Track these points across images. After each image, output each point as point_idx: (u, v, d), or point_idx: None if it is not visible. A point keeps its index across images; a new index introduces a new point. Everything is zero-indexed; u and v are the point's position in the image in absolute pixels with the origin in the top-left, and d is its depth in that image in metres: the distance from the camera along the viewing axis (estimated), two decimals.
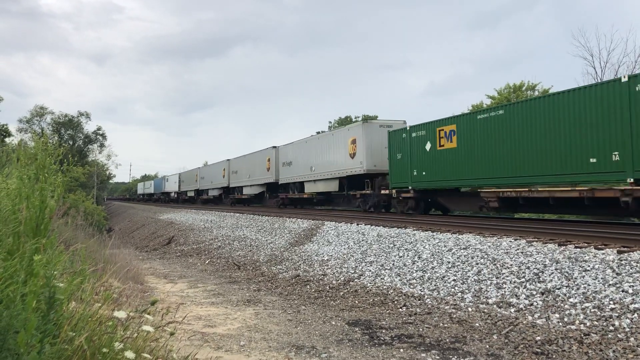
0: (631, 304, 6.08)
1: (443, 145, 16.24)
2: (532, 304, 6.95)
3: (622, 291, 6.42)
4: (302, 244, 14.62)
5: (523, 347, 5.74)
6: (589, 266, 7.39)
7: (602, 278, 6.92)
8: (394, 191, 18.96)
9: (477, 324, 6.75)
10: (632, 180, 10.46)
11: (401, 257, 10.60)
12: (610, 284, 6.69)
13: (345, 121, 56.63)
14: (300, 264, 12.50)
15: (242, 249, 16.53)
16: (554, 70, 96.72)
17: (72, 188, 39.02)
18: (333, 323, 7.24)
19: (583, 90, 11.75)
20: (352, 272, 10.68)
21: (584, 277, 7.13)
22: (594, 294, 6.60)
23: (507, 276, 8.04)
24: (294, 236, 15.88)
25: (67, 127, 64.25)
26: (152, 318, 3.34)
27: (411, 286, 8.99)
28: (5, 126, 36.79)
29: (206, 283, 11.46)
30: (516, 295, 7.34)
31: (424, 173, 17.14)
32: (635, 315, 5.84)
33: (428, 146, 17.04)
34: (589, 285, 6.86)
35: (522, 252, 8.76)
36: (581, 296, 6.67)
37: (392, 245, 11.59)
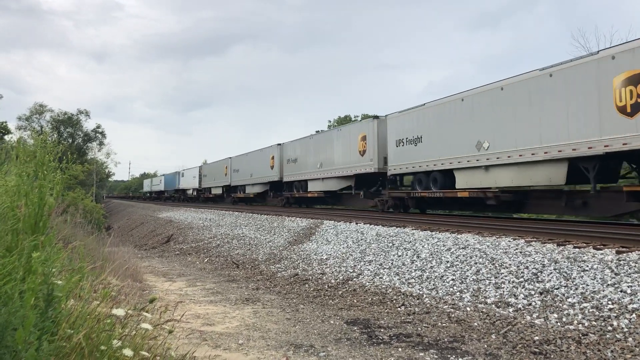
0: (629, 304, 6.08)
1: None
2: (530, 304, 6.95)
3: (621, 291, 6.43)
4: (301, 242, 14.62)
5: (521, 347, 5.74)
6: (587, 266, 7.40)
7: (600, 278, 6.92)
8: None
9: (475, 324, 6.75)
10: None
11: (400, 256, 10.60)
12: (608, 284, 6.70)
13: (344, 120, 56.47)
14: (299, 263, 12.50)
15: (241, 248, 16.53)
16: None
17: (71, 186, 39.02)
18: (331, 322, 7.24)
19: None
20: (351, 271, 10.68)
21: (582, 277, 7.13)
22: (592, 294, 6.60)
23: (505, 276, 8.04)
24: (292, 235, 15.88)
25: (66, 125, 64.26)
26: (151, 316, 3.33)
27: (410, 285, 8.99)
28: (4, 123, 36.78)
29: (205, 281, 11.46)
30: (515, 295, 7.35)
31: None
32: (634, 315, 5.85)
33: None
34: (587, 285, 6.87)
35: (520, 252, 8.77)
36: (579, 296, 6.67)
37: (390, 244, 11.59)
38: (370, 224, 14.45)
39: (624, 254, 7.50)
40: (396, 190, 19.60)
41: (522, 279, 7.73)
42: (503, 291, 7.61)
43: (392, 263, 10.36)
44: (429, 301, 8.07)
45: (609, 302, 6.28)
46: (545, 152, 12.47)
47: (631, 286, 6.45)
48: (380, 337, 6.35)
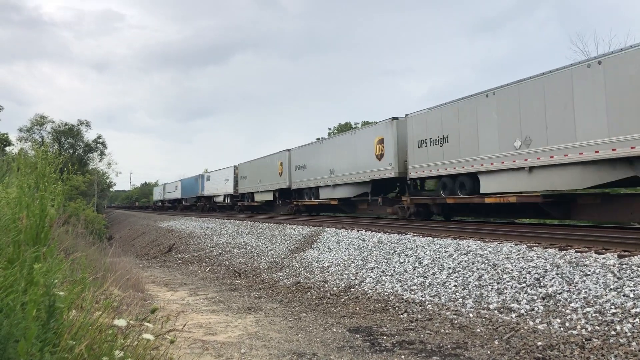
0: (632, 308, 6.06)
1: None
2: (533, 309, 6.93)
3: (624, 295, 6.41)
4: (303, 250, 14.61)
5: (524, 353, 5.72)
6: (589, 271, 7.38)
7: (603, 283, 6.91)
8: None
9: (478, 330, 6.73)
10: None
11: (402, 263, 10.59)
12: (611, 289, 6.68)
13: (344, 127, 56.42)
14: (300, 271, 12.48)
15: (242, 256, 16.51)
16: None
17: (73, 196, 39.04)
18: (334, 330, 7.22)
19: None
20: (353, 278, 10.66)
21: (585, 281, 7.12)
22: (595, 299, 6.59)
23: (508, 281, 8.03)
24: (294, 243, 15.86)
25: (67, 136, 64.39)
26: (153, 326, 3.33)
27: (412, 292, 8.97)
28: (5, 135, 36.89)
29: (207, 291, 11.44)
30: (517, 301, 7.33)
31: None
32: (637, 319, 5.83)
33: None
34: (590, 290, 6.85)
35: (522, 257, 8.75)
36: (582, 301, 6.66)
37: (392, 251, 11.58)
38: (372, 231, 14.43)
39: (626, 258, 7.49)
40: (417, 195, 18.17)
41: (524, 284, 7.72)
42: (505, 297, 7.59)
43: (394, 270, 10.34)
44: (431, 308, 8.05)
45: (612, 307, 6.26)
46: (614, 150, 10.78)
47: (634, 290, 6.43)
48: (383, 345, 6.33)
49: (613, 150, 10.79)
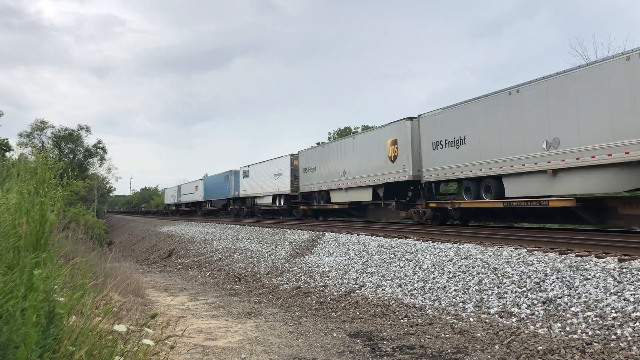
0: (633, 312, 6.05)
1: None
2: (533, 314, 6.92)
3: (624, 299, 6.40)
4: (303, 255, 14.59)
5: (525, 357, 5.71)
6: (590, 275, 7.38)
7: (603, 286, 6.90)
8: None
9: (478, 334, 6.72)
10: None
11: (402, 267, 10.58)
12: (611, 293, 6.67)
13: (344, 132, 56.13)
14: (301, 276, 12.46)
15: (242, 261, 16.49)
16: None
17: (73, 202, 39.05)
18: (334, 335, 7.21)
19: None
20: (353, 283, 10.65)
21: (585, 285, 7.11)
22: (595, 303, 6.58)
23: (508, 286, 8.02)
24: (294, 247, 15.85)
25: (67, 141, 64.50)
26: (153, 331, 3.33)
27: (412, 297, 8.96)
28: (5, 140, 36.91)
29: (207, 295, 11.43)
30: (517, 305, 7.32)
31: None
32: (638, 323, 5.82)
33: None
34: (590, 294, 6.85)
35: (523, 262, 8.75)
36: (583, 305, 6.65)
37: (392, 255, 11.57)
38: (372, 235, 14.42)
39: (627, 262, 7.48)
40: (433, 199, 17.54)
41: (524, 289, 7.71)
42: (506, 301, 7.58)
43: (394, 274, 10.33)
44: (431, 312, 8.04)
45: (613, 311, 6.25)
46: None
47: (634, 294, 6.42)
48: (384, 350, 6.31)
49: None
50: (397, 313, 8.34)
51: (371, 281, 10.40)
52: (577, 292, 7.02)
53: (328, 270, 12.11)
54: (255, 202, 35.70)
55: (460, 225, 17.14)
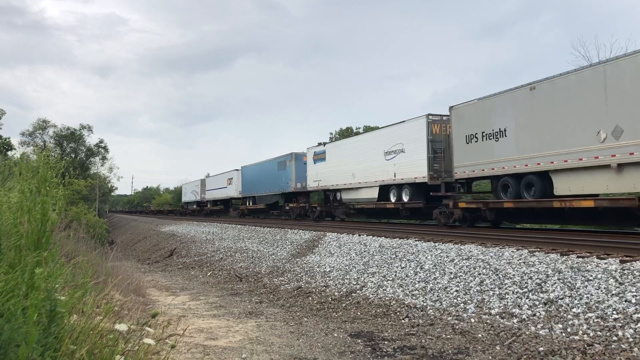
0: (634, 313, 6.04)
1: None
2: (534, 315, 6.91)
3: (625, 301, 6.39)
4: (304, 255, 14.59)
5: (526, 358, 5.70)
6: (591, 276, 7.36)
7: (604, 288, 6.89)
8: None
9: (479, 335, 6.71)
10: None
11: (403, 267, 10.57)
12: (613, 294, 6.66)
13: (346, 132, 55.94)
14: (302, 276, 12.46)
15: (243, 261, 16.50)
16: None
17: (74, 201, 39.07)
18: (335, 335, 7.21)
19: None
20: (354, 283, 10.64)
21: (586, 287, 7.10)
22: (596, 304, 6.57)
23: (509, 286, 8.01)
24: (295, 247, 15.85)
25: (69, 140, 64.53)
26: (154, 331, 3.33)
27: (413, 297, 8.95)
28: (7, 139, 36.98)
29: (208, 295, 11.43)
30: (519, 306, 7.31)
31: None
32: (639, 325, 5.81)
33: None
34: (591, 295, 6.83)
35: (524, 262, 8.74)
36: (584, 306, 6.64)
37: (394, 256, 11.56)
38: (373, 236, 14.42)
39: (628, 263, 7.47)
40: (461, 199, 15.92)
41: (526, 290, 7.70)
42: (507, 302, 7.57)
43: (395, 275, 10.32)
44: (433, 313, 8.03)
45: (614, 312, 6.24)
46: None
47: (636, 295, 6.41)
48: (385, 350, 6.31)
49: None
50: (398, 313, 8.33)
51: (372, 281, 10.39)
52: (578, 293, 7.01)
53: (329, 271, 12.11)
54: (338, 196, 24.41)
55: (491, 227, 15.75)
